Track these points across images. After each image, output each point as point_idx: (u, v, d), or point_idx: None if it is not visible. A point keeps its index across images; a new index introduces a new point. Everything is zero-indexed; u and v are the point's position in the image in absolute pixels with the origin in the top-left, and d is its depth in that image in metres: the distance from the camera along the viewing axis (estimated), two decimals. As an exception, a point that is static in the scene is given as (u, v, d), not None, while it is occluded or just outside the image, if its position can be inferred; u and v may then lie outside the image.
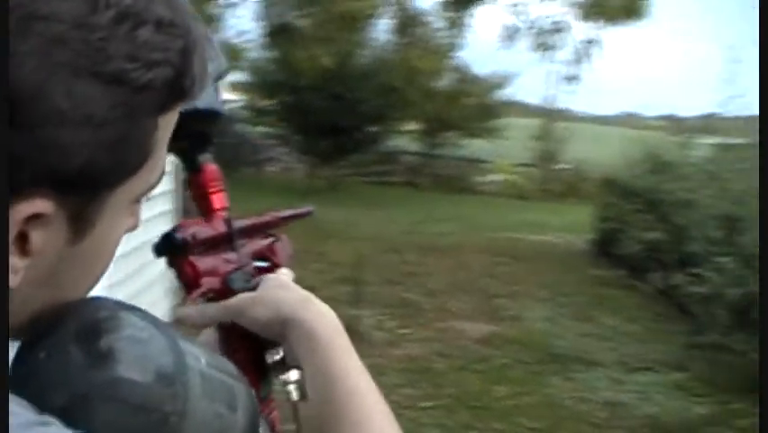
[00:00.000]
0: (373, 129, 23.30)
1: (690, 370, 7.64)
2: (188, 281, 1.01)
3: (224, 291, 1.04)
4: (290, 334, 0.99)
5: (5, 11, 0.60)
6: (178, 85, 0.70)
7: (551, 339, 8.34)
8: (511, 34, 16.46)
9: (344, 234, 13.80)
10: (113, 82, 0.64)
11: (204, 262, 1.02)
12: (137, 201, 0.78)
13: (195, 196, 1.09)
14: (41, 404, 0.67)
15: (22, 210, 0.63)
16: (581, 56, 15.77)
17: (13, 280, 0.65)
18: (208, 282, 1.02)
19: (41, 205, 0.64)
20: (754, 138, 9.79)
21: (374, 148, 24.22)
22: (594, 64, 15.29)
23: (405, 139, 26.35)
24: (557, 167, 26.25)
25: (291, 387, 1.05)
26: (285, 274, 1.12)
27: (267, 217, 1.20)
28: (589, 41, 15.41)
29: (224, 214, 1.08)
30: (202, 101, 0.89)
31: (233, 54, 20.68)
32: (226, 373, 0.86)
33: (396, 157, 26.50)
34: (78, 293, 0.77)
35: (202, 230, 1.04)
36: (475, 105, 24.70)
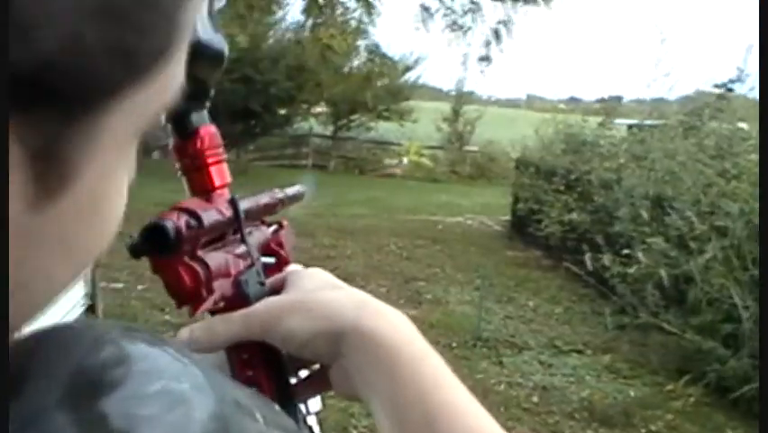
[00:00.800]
0: (283, 112, 23.14)
1: (618, 352, 7.54)
2: (190, 290, 0.71)
3: (237, 299, 0.77)
4: (350, 350, 0.73)
5: (5, 11, 0.34)
6: None
7: (475, 322, 8.14)
8: (424, 17, 16.17)
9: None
10: None
11: (213, 259, 0.73)
12: (139, 135, 0.43)
13: (187, 169, 0.79)
14: None
15: None
16: (493, 38, 15.62)
17: None
18: (219, 288, 0.74)
19: None
20: (674, 119, 9.81)
21: (284, 131, 24.11)
22: (504, 46, 15.13)
23: (315, 122, 26.31)
24: (467, 149, 26.41)
25: (312, 420, 0.86)
26: (305, 269, 0.86)
27: (268, 198, 0.92)
28: (502, 23, 15.27)
29: (226, 192, 0.80)
30: (204, 32, 0.65)
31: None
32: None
33: (305, 140, 26.38)
34: (54, 291, 0.42)
35: (209, 215, 0.74)
36: (385, 88, 24.65)
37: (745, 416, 6.13)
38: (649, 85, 9.90)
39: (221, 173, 0.80)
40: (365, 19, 20.83)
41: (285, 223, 0.98)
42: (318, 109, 25.99)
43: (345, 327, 0.73)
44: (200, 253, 0.72)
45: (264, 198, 0.91)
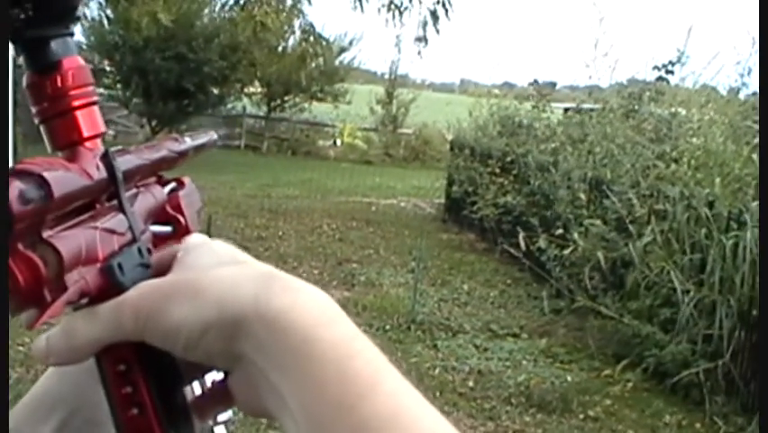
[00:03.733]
0: (216, 91, 22.87)
1: (555, 336, 7.45)
2: (25, 291, 0.49)
3: (107, 293, 0.55)
4: (250, 345, 0.52)
5: (5, 12, 0.44)
6: None
7: (409, 305, 7.98)
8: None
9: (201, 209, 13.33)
10: None
11: (67, 241, 0.52)
12: None
13: (45, 115, 0.59)
14: None
15: None
16: (431, 18, 15.47)
17: None
18: (77, 279, 0.53)
19: None
20: (612, 102, 9.77)
21: (217, 111, 23.85)
22: (440, 27, 14.99)
23: (248, 102, 26.07)
24: (400, 132, 26.35)
25: (219, 430, 0.73)
26: (204, 242, 0.63)
27: (160, 150, 0.71)
28: (440, 2, 15.12)
29: (98, 146, 0.60)
30: None
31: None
32: None
33: (239, 120, 26.08)
34: None
35: (61, 178, 0.52)
36: (320, 69, 24.42)
37: (684, 401, 6.08)
38: (588, 65, 9.78)
39: (92, 120, 0.60)
40: (300, -2, 20.62)
41: (186, 180, 0.77)
42: (252, 89, 25.71)
43: (243, 309, 0.51)
44: (48, 233, 0.50)
45: (156, 152, 0.70)
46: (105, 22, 21.79)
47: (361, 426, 0.46)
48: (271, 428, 5.04)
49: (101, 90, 22.86)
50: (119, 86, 22.43)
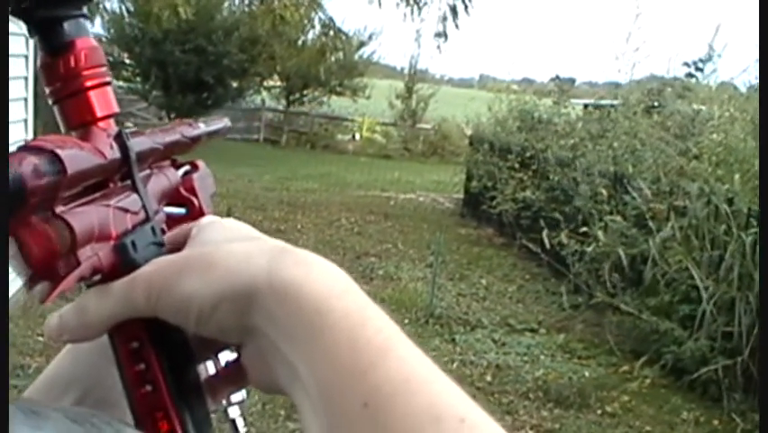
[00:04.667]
0: (235, 84, 22.90)
1: (573, 331, 7.43)
2: (38, 263, 0.51)
3: (120, 269, 0.56)
4: (263, 318, 0.52)
5: (5, 12, 0.44)
6: None
7: (427, 299, 7.98)
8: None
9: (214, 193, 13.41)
10: None
11: (81, 218, 0.53)
12: None
13: (59, 96, 0.60)
14: None
15: None
16: (451, 13, 15.49)
17: None
18: (90, 255, 0.54)
19: None
20: (634, 97, 9.72)
21: (236, 104, 23.87)
22: (459, 23, 14.97)
23: (267, 96, 26.09)
24: (419, 126, 26.32)
25: (233, 411, 0.70)
26: (218, 220, 0.65)
27: (174, 134, 0.71)
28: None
29: (111, 126, 0.61)
30: None
31: (93, 4, 19.59)
32: None
33: (258, 114, 26.11)
34: None
35: (75, 156, 0.52)
36: (339, 63, 24.41)
37: (702, 398, 6.05)
38: (617, 57, 9.73)
39: (105, 100, 0.60)
40: (320, -9, 20.62)
41: (200, 164, 0.78)
42: (271, 83, 25.72)
43: (255, 282, 0.52)
44: (61, 209, 0.51)
45: (170, 135, 0.70)
46: (125, 14, 21.84)
47: (372, 392, 0.47)
48: (290, 420, 5.07)
49: (120, 83, 22.95)
50: (138, 78, 22.50)
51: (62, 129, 0.60)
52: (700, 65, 9.68)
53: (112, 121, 0.61)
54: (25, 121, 6.26)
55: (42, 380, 0.73)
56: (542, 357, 6.86)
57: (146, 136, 0.65)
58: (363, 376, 0.47)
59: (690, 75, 9.80)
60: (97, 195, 0.56)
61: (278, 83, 25.76)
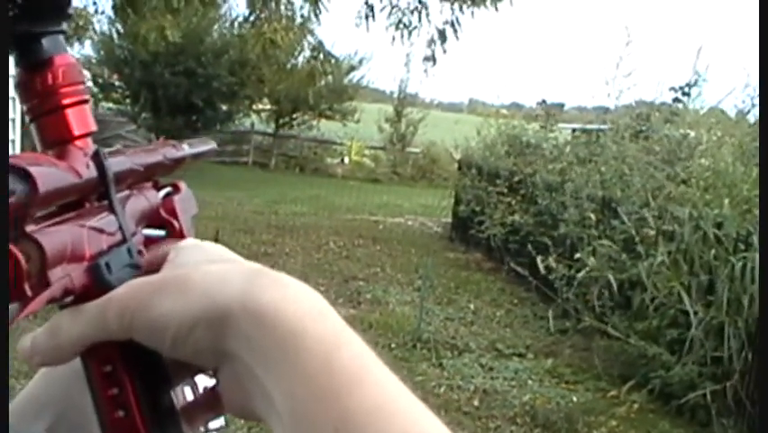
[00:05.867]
0: (225, 107, 22.97)
1: (561, 356, 7.41)
2: (15, 282, 0.49)
3: (93, 291, 0.54)
4: (238, 341, 0.51)
5: (5, 12, 0.44)
6: None
7: (415, 323, 7.95)
8: (367, 14, 15.99)
9: (197, 214, 13.40)
10: None
11: (52, 238, 0.51)
12: None
13: (36, 113, 0.59)
14: None
15: None
16: (439, 38, 15.49)
17: None
18: (62, 276, 0.52)
19: None
20: (622, 122, 9.76)
21: (225, 127, 23.94)
22: (448, 47, 14.99)
23: (256, 119, 26.17)
24: (408, 150, 26.40)
25: None
26: (196, 243, 0.65)
27: (155, 155, 0.70)
28: (448, 23, 15.13)
29: (88, 145, 0.59)
30: None
31: (85, 23, 19.64)
32: None
33: (247, 137, 26.17)
34: None
35: (47, 173, 0.52)
36: (329, 87, 24.50)
37: (690, 423, 6.03)
38: (608, 82, 9.76)
39: (82, 118, 0.59)
40: (310, 16, 20.70)
41: (182, 185, 0.76)
42: (260, 106, 25.79)
43: (230, 304, 0.50)
44: (32, 228, 0.50)
45: (152, 157, 0.69)
46: (115, 36, 21.89)
47: (345, 418, 0.45)
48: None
49: (110, 105, 22.93)
50: (128, 100, 22.55)
51: (39, 147, 0.59)
52: (687, 89, 9.73)
53: (89, 140, 0.60)
54: (13, 141, 6.24)
55: (16, 404, 0.71)
56: (529, 382, 6.83)
57: (126, 156, 0.64)
58: (336, 401, 0.46)
59: (676, 100, 9.85)
60: (72, 214, 0.55)
61: (268, 106, 25.85)
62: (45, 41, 0.57)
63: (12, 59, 0.57)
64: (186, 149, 0.75)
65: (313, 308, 0.50)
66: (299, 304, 0.50)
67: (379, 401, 0.46)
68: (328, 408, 0.46)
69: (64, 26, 0.58)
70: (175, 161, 0.73)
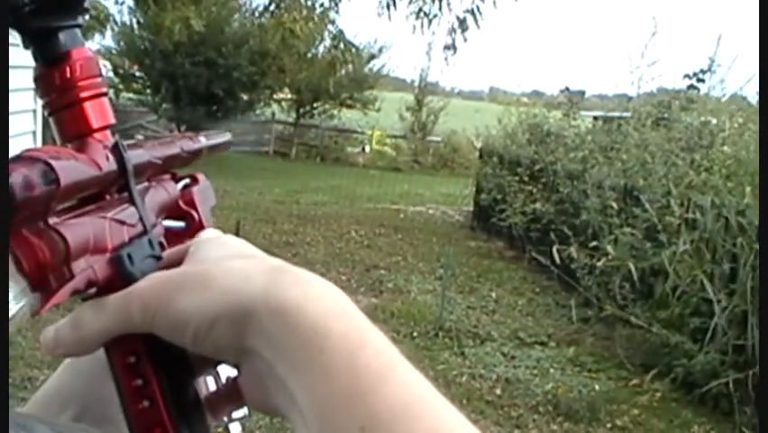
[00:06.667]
0: (246, 97, 22.96)
1: (583, 345, 7.40)
2: (31, 275, 0.50)
3: (116, 282, 0.55)
4: (260, 338, 0.51)
5: (5, 12, 0.44)
6: None
7: (437, 312, 7.96)
8: (388, 2, 15.93)
9: (217, 204, 13.37)
10: None
11: (75, 230, 0.52)
12: None
13: (54, 107, 0.59)
14: None
15: None
16: (459, 26, 15.43)
17: None
18: (85, 267, 0.53)
19: None
20: (643, 110, 9.71)
21: (246, 117, 23.93)
22: (468, 36, 14.93)
23: (277, 108, 26.14)
24: (429, 139, 26.32)
25: (234, 428, 0.68)
26: (217, 236, 0.65)
27: (173, 148, 0.71)
28: (469, 11, 15.07)
29: (108, 137, 0.60)
30: None
31: (103, 17, 19.67)
32: None
33: (268, 126, 26.15)
34: None
35: (69, 167, 0.52)
36: (349, 76, 24.45)
37: (713, 412, 6.01)
38: (632, 71, 9.71)
39: (101, 111, 0.59)
40: (330, 5, 20.66)
41: (200, 177, 0.77)
42: (281, 95, 25.77)
43: (253, 302, 0.50)
44: (54, 220, 0.50)
45: (169, 149, 0.69)
46: (136, 27, 21.93)
47: (370, 417, 0.46)
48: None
49: (130, 96, 22.98)
50: (148, 91, 22.58)
51: (58, 141, 0.59)
52: (701, 76, 9.66)
53: (108, 132, 0.60)
54: (34, 133, 6.27)
55: (41, 395, 0.72)
56: (552, 371, 6.82)
57: (144, 149, 0.65)
58: (362, 400, 0.46)
59: (691, 87, 9.78)
60: (93, 207, 0.56)
61: (289, 96, 25.80)
62: (62, 36, 0.57)
63: (30, 55, 0.58)
64: (202, 141, 0.76)
65: (336, 305, 0.51)
66: (322, 302, 0.50)
67: (406, 400, 0.46)
68: (353, 407, 0.46)
69: (81, 20, 0.59)
70: (192, 153, 0.74)
